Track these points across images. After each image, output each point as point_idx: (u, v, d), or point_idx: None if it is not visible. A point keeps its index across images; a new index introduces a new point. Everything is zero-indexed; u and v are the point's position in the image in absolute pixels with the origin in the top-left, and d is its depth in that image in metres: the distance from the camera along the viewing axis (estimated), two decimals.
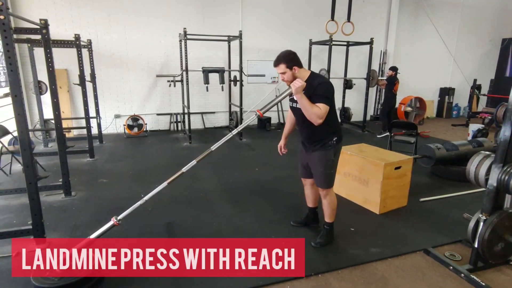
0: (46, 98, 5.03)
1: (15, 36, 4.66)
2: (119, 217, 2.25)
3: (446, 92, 10.21)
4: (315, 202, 3.05)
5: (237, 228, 3.09)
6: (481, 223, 2.38)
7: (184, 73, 6.29)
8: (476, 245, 2.41)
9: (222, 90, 6.93)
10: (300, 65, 2.44)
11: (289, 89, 2.38)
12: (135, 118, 7.05)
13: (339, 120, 8.66)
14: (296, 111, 2.60)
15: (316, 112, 2.33)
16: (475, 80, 8.79)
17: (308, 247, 2.74)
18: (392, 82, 7.22)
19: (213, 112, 8.06)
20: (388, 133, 7.17)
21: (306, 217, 3.11)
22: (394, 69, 7.23)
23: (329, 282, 2.33)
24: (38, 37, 4.40)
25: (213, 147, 2.38)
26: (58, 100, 3.57)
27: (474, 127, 6.71)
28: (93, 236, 2.21)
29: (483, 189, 2.49)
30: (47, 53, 3.40)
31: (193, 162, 2.35)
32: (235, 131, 2.45)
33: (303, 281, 2.34)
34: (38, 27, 3.34)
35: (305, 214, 3.12)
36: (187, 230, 3.05)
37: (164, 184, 2.33)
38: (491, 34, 10.50)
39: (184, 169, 2.35)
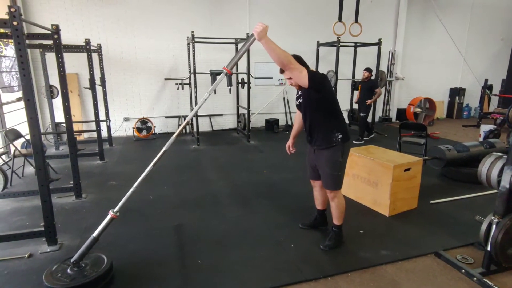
0: (58, 102, 5.10)
1: (27, 41, 4.78)
2: (115, 209, 2.28)
3: (456, 93, 10.07)
4: (324, 204, 3.04)
5: (245, 230, 3.09)
6: (494, 226, 2.33)
7: (192, 76, 6.34)
8: (488, 248, 2.36)
9: (230, 92, 6.97)
10: (306, 66, 2.44)
11: (252, 37, 2.21)
12: (144, 121, 7.12)
13: (347, 121, 8.62)
14: (300, 107, 2.65)
15: (286, 55, 2.23)
16: (486, 80, 8.65)
17: (317, 250, 2.73)
18: (374, 85, 6.56)
19: (221, 115, 8.09)
20: (372, 134, 7.07)
21: (314, 220, 3.09)
22: (370, 70, 6.62)
23: (339, 285, 2.32)
24: (49, 42, 4.48)
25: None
26: (69, 104, 3.62)
27: (485, 128, 6.60)
28: (96, 233, 2.25)
29: (495, 191, 2.44)
30: (59, 57, 3.46)
31: (173, 137, 2.32)
32: (206, 95, 2.28)
33: (312, 284, 2.32)
34: (50, 32, 3.40)
35: (313, 217, 3.11)
36: (196, 232, 3.06)
37: (150, 166, 2.37)
38: (503, 33, 10.34)
39: (165, 147, 2.36)
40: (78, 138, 6.91)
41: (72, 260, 2.24)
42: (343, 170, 2.67)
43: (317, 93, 2.45)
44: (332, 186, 2.63)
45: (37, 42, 5.11)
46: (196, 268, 2.50)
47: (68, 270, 2.23)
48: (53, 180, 3.72)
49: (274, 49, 2.23)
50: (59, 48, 3.47)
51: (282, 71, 2.44)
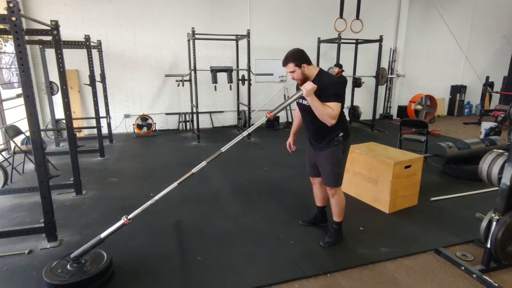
0: (58, 99, 5.10)
1: (26, 37, 4.76)
2: (129, 216, 2.26)
3: (457, 90, 10.04)
4: (324, 201, 3.03)
5: (245, 227, 3.09)
6: (494, 223, 2.33)
7: (193, 72, 6.32)
8: (488, 245, 2.36)
9: (231, 89, 6.95)
10: (309, 62, 2.42)
11: (300, 91, 2.36)
12: (144, 118, 7.11)
13: (348, 119, 8.60)
14: (302, 108, 2.61)
15: (329, 113, 2.31)
16: (487, 78, 8.61)
17: (316, 246, 2.73)
18: (345, 81, 6.09)
19: (222, 112, 8.08)
20: None
21: (314, 217, 3.09)
22: (340, 66, 6.19)
23: (338, 282, 2.32)
24: (49, 38, 4.47)
25: (223, 149, 2.38)
26: (69, 101, 3.62)
27: (486, 125, 6.59)
28: (103, 235, 2.24)
29: (495, 188, 2.44)
30: (58, 54, 3.45)
31: (203, 163, 2.37)
32: (245, 133, 2.44)
33: (312, 280, 2.32)
34: (49, 28, 3.39)
35: (313, 213, 3.11)
36: (196, 229, 3.06)
37: (174, 184, 2.35)
38: (504, 30, 10.28)
39: (194, 170, 2.36)
40: (79, 134, 6.91)
41: (72, 256, 2.24)
42: (344, 167, 2.66)
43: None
44: (333, 183, 2.62)
45: (36, 38, 5.10)
46: (196, 264, 2.50)
47: (68, 266, 2.23)
48: (53, 177, 3.72)
49: (318, 108, 2.33)
50: (59, 44, 3.46)
51: (284, 65, 2.43)
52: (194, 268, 2.45)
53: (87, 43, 4.95)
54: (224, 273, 2.39)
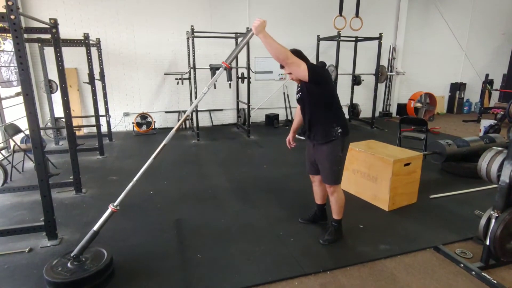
0: (57, 97, 5.12)
1: (25, 35, 4.75)
2: (115, 203, 2.28)
3: (457, 88, 10.04)
4: (323, 199, 3.04)
5: (245, 225, 3.10)
6: (493, 220, 2.33)
7: (192, 70, 6.31)
8: (487, 243, 2.36)
9: (230, 87, 6.95)
10: (306, 61, 2.43)
11: (250, 32, 2.22)
12: (143, 116, 7.11)
13: (347, 116, 8.60)
14: (298, 100, 2.65)
15: (284, 51, 2.23)
16: (487, 75, 8.61)
17: (316, 244, 2.74)
18: None
19: (221, 110, 8.07)
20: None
21: (314, 214, 3.10)
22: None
23: (338, 279, 2.33)
24: (48, 36, 4.47)
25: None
26: (68, 99, 3.62)
27: (486, 123, 6.60)
28: (96, 227, 2.25)
29: (494, 185, 2.45)
30: (57, 52, 3.44)
31: (173, 131, 2.31)
32: (206, 89, 2.28)
33: (311, 277, 2.33)
34: (48, 26, 3.38)
35: (313, 211, 3.11)
36: (196, 227, 3.07)
37: (150, 159, 2.35)
38: (504, 27, 10.27)
39: (165, 141, 2.34)
40: (78, 133, 6.91)
41: (72, 254, 2.25)
42: (343, 165, 2.67)
43: (317, 86, 2.44)
44: (332, 181, 2.63)
45: (35, 36, 5.08)
46: (196, 262, 2.51)
47: (68, 264, 2.24)
48: (53, 175, 3.73)
49: (271, 44, 2.23)
50: (58, 43, 3.46)
51: (282, 66, 2.43)
52: (194, 266, 2.46)
53: (86, 41, 4.94)
54: (224, 270, 2.40)
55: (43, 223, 2.76)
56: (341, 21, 6.72)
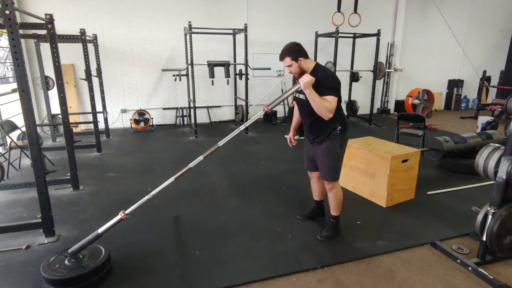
0: (54, 94, 5.08)
1: (21, 31, 4.70)
2: (126, 212, 2.26)
3: (454, 84, 10.05)
4: (322, 196, 3.04)
5: (243, 221, 3.10)
6: (490, 216, 2.35)
7: (190, 67, 6.28)
8: (484, 239, 2.38)
9: (228, 84, 6.91)
10: (305, 56, 2.41)
11: (297, 85, 2.35)
12: (141, 113, 7.08)
13: (345, 113, 8.61)
14: (299, 102, 2.61)
15: (326, 106, 2.31)
16: (484, 72, 8.63)
17: (314, 240, 2.74)
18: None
19: (219, 106, 8.05)
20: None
21: (312, 211, 3.11)
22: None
23: (335, 275, 2.33)
24: (44, 32, 4.43)
25: (220, 143, 2.38)
26: (65, 95, 3.59)
27: (483, 119, 6.61)
28: (101, 230, 2.24)
29: (491, 182, 2.45)
30: (53, 48, 3.41)
31: (200, 157, 2.37)
32: (242, 127, 2.43)
33: (309, 274, 2.34)
34: (44, 22, 3.34)
35: (311, 208, 3.12)
36: (194, 223, 3.07)
37: (171, 179, 2.35)
38: (502, 24, 10.27)
39: (191, 165, 2.36)
40: (75, 130, 6.86)
41: (70, 251, 2.24)
42: (341, 161, 2.67)
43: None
44: (330, 177, 2.63)
45: (31, 32, 5.03)
46: (194, 259, 2.51)
47: (66, 261, 2.23)
48: (50, 172, 3.71)
49: (316, 101, 2.30)
50: (54, 38, 3.42)
51: (281, 59, 2.42)
52: (192, 263, 2.46)
53: (83, 37, 4.90)
54: (222, 267, 2.40)
55: (40, 220, 2.75)
56: (340, 17, 6.70)
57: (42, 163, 2.70)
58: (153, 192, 2.33)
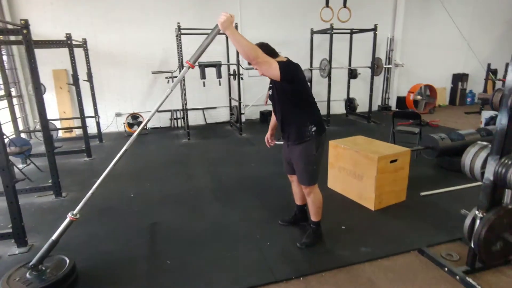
0: (48, 99, 5.06)
1: (1, 37, 4.67)
2: (75, 211, 2.18)
3: (459, 79, 9.74)
4: (303, 200, 2.89)
5: (222, 228, 2.97)
6: (478, 221, 2.17)
7: (181, 68, 6.18)
8: (472, 245, 2.20)
9: (220, 84, 6.78)
10: (274, 55, 2.29)
11: (216, 27, 2.05)
12: (135, 116, 7.02)
13: (343, 111, 8.40)
14: (272, 98, 2.50)
15: (253, 48, 2.04)
16: (489, 65, 8.31)
17: (293, 248, 2.60)
18: None
19: (214, 108, 7.93)
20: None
21: (294, 215, 2.96)
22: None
23: (311, 286, 2.19)
24: (37, 38, 4.39)
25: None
26: (43, 101, 3.53)
27: (486, 114, 6.33)
28: (54, 236, 2.15)
29: None
30: (29, 53, 3.35)
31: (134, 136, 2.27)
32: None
33: (282, 285, 2.20)
34: (19, 27, 3.28)
35: (293, 212, 2.98)
36: (171, 231, 2.95)
37: (111, 166, 2.27)
38: (507, 15, 9.89)
39: (125, 147, 2.31)
40: (69, 135, 6.87)
41: (30, 264, 2.15)
42: (319, 164, 2.52)
43: (289, 84, 2.29)
44: (307, 181, 2.48)
45: (17, 38, 4.98)
46: (164, 269, 2.40)
47: (27, 275, 2.14)
48: (18, 181, 3.59)
49: (240, 41, 2.04)
50: (30, 44, 3.36)
51: (249, 63, 2.28)
52: (160, 274, 2.34)
53: (69, 42, 4.84)
54: (191, 278, 2.28)
55: (11, 230, 2.68)
56: (328, 12, 6.44)
57: (10, 172, 2.62)
58: (96, 184, 2.25)
